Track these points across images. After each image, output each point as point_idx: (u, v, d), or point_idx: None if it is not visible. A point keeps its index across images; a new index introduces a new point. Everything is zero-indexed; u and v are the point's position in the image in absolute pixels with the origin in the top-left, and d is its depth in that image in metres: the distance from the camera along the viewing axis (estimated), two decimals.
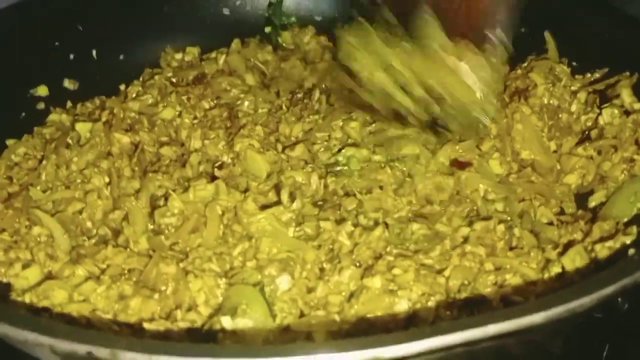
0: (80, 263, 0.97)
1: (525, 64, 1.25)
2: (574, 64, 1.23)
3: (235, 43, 1.42)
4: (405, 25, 1.06)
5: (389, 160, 1.11)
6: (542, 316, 0.68)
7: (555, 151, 1.15)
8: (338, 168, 1.12)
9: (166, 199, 1.05)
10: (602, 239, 0.96)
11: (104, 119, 1.21)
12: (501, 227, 0.99)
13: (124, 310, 0.91)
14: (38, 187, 1.10)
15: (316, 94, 1.27)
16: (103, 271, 0.97)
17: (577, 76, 1.21)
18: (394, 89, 1.06)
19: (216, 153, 1.16)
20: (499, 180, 1.10)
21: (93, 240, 1.03)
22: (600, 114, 1.13)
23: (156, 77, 1.33)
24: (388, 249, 0.97)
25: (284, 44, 1.46)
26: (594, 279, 0.75)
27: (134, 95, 1.29)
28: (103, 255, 0.99)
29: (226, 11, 1.48)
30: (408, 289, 0.90)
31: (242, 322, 0.88)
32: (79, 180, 1.10)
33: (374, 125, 1.17)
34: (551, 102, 1.18)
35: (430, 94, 1.04)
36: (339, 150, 1.14)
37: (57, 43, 1.33)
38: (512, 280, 0.92)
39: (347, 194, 1.08)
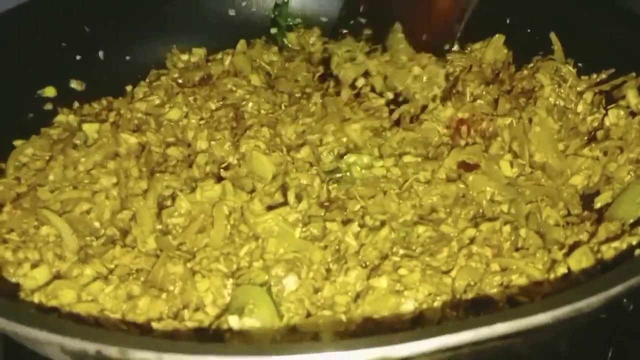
0: (88, 263, 0.97)
1: (531, 65, 1.26)
2: (580, 64, 1.23)
3: (241, 44, 1.42)
4: (382, 40, 1.37)
5: (392, 166, 1.12)
6: (549, 316, 0.68)
7: (563, 151, 1.14)
8: (339, 175, 1.12)
9: (173, 199, 1.05)
10: (608, 240, 0.96)
11: (111, 119, 1.21)
12: (507, 228, 0.99)
13: (132, 310, 0.92)
14: (46, 188, 1.10)
15: (314, 96, 1.27)
16: (111, 271, 0.97)
17: (583, 77, 1.21)
18: None
19: (222, 154, 1.16)
20: (508, 182, 1.09)
21: (101, 241, 1.04)
22: (606, 114, 1.13)
23: (162, 78, 1.34)
24: (394, 249, 0.97)
25: (289, 45, 1.47)
26: (600, 280, 0.75)
27: (140, 96, 1.29)
28: (111, 255, 0.99)
29: (232, 12, 1.49)
30: (414, 289, 0.90)
31: (250, 322, 0.88)
32: (86, 181, 1.10)
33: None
34: (557, 103, 1.18)
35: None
36: (341, 157, 1.14)
37: (63, 44, 1.33)
38: (518, 281, 0.92)
39: (350, 199, 1.07)
